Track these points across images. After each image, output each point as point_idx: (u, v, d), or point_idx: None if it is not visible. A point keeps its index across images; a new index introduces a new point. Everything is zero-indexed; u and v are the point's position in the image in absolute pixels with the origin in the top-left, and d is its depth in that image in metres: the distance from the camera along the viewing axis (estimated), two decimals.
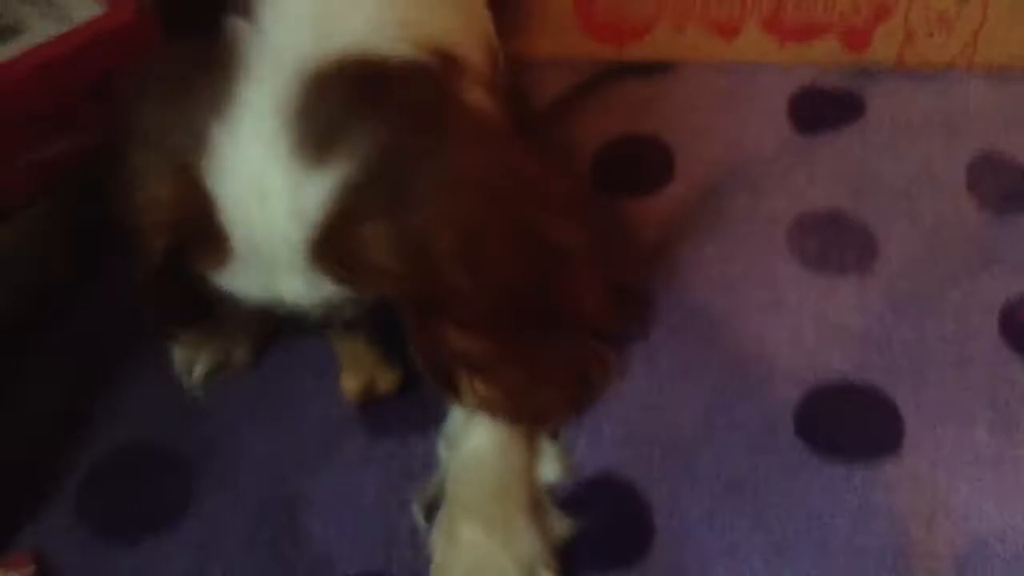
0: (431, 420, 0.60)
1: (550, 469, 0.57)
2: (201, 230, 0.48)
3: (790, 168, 0.72)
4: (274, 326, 0.62)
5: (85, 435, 0.60)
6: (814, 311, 0.64)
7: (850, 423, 0.59)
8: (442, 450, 0.58)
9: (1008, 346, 0.62)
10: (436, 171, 0.46)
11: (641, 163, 0.73)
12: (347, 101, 0.46)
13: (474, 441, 0.57)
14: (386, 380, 0.59)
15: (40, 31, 0.60)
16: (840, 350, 0.63)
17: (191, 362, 0.62)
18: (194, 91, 0.48)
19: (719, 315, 0.65)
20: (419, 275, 0.47)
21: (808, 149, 0.74)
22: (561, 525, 0.55)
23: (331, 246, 0.47)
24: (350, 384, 0.59)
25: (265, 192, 0.46)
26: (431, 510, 0.56)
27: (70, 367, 0.63)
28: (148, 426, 0.61)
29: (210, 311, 0.56)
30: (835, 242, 0.68)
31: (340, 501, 0.58)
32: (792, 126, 0.75)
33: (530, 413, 0.57)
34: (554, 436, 0.58)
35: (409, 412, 0.60)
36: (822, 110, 0.76)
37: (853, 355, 0.62)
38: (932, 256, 0.67)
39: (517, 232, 0.50)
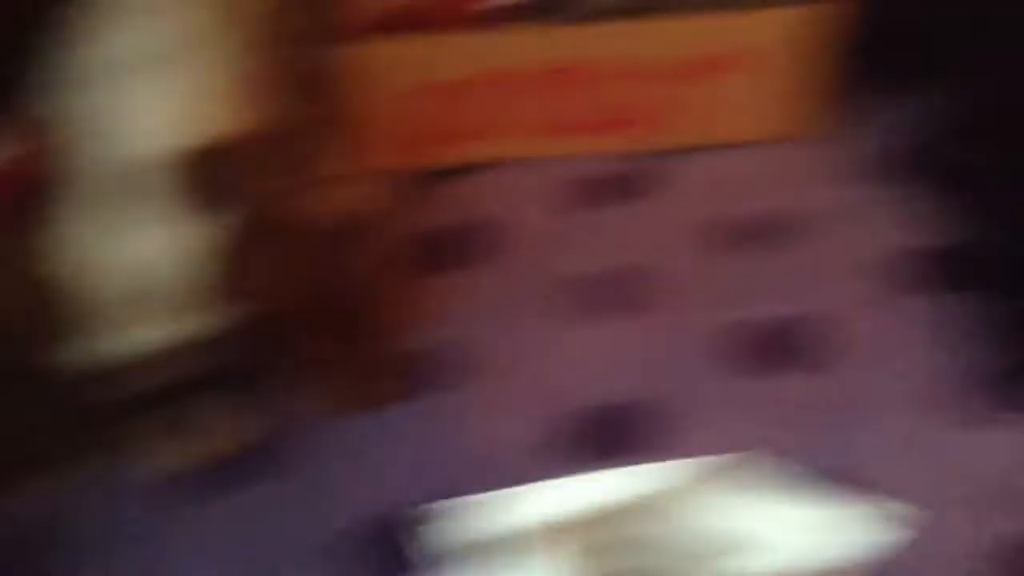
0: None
1: None
2: None
3: (574, 236, 0.87)
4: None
5: None
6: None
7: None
8: None
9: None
10: None
11: (445, 247, 0.87)
12: None
13: None
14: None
15: None
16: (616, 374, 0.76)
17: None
18: None
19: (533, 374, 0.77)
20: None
21: (590, 222, 0.89)
22: None
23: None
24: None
25: None
26: None
27: None
28: None
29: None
30: (616, 290, 0.82)
31: None
32: (573, 205, 0.90)
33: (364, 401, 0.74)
34: None
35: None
36: (599, 191, 0.91)
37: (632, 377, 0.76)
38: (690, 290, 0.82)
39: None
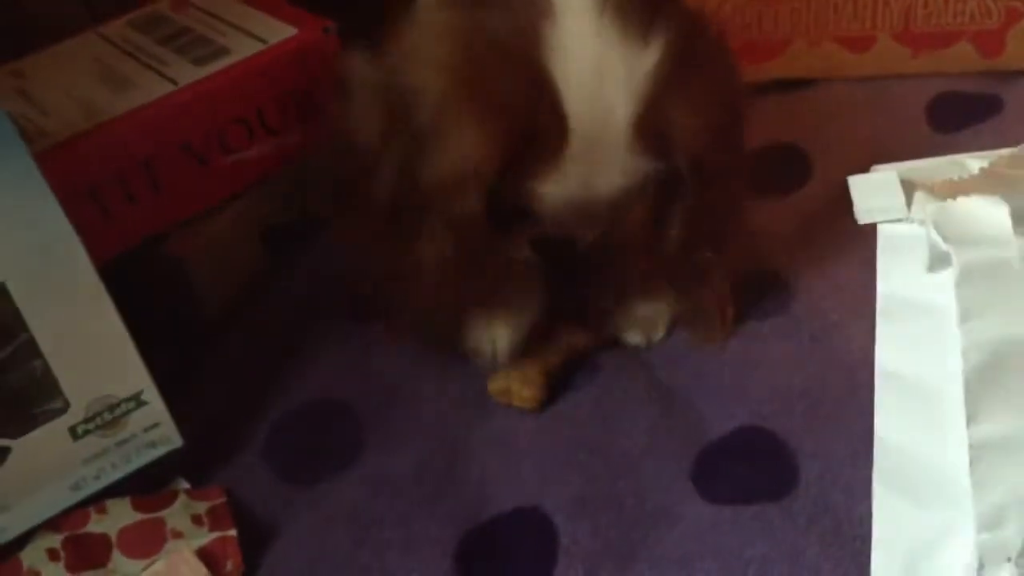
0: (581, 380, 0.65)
1: None
2: (537, 125, 0.56)
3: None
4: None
5: (273, 393, 0.67)
6: None
7: None
8: None
9: None
10: (710, 69, 0.58)
11: (780, 168, 0.77)
12: (645, 6, 0.57)
13: None
14: (522, 396, 0.64)
15: (243, 51, 0.71)
16: None
17: (492, 337, 0.67)
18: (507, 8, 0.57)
19: (861, 290, 0.67)
20: (709, 142, 0.57)
21: (947, 144, 0.76)
22: None
23: (652, 116, 0.56)
24: (493, 385, 0.65)
25: (603, 70, 0.56)
26: None
27: (265, 340, 0.71)
28: (327, 385, 0.67)
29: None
30: None
31: (495, 449, 0.62)
32: (931, 128, 0.78)
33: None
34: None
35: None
36: (960, 112, 0.78)
37: None
38: None
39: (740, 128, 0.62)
